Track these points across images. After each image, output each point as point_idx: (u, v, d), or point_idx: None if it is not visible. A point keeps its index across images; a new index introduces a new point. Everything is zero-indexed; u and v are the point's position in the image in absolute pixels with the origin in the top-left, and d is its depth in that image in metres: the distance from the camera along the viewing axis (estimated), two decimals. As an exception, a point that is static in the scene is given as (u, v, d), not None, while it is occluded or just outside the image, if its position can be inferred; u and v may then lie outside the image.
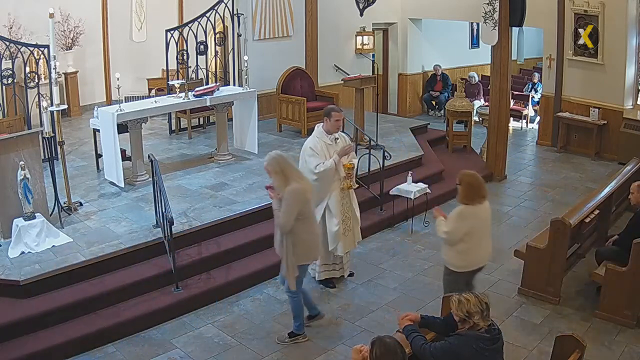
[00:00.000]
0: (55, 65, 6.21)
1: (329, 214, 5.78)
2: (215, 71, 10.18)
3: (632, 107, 9.88)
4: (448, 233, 4.77)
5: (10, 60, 7.58)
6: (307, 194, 4.82)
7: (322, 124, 5.77)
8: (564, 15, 10.18)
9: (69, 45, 10.20)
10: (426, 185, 7.48)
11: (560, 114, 10.59)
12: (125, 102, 7.75)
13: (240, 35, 9.95)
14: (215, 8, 9.35)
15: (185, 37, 9.26)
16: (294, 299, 5.07)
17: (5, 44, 7.60)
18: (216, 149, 8.37)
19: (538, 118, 11.75)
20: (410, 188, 7.31)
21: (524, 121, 12.49)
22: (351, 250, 6.18)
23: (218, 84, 8.95)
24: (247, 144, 8.36)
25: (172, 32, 9.01)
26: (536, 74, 12.65)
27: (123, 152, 7.33)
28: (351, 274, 6.29)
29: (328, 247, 5.84)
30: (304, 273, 5.02)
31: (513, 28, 8.70)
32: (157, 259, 5.84)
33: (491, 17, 8.50)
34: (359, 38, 11.96)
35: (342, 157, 5.65)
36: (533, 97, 12.44)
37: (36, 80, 7.88)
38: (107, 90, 11.02)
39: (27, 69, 7.89)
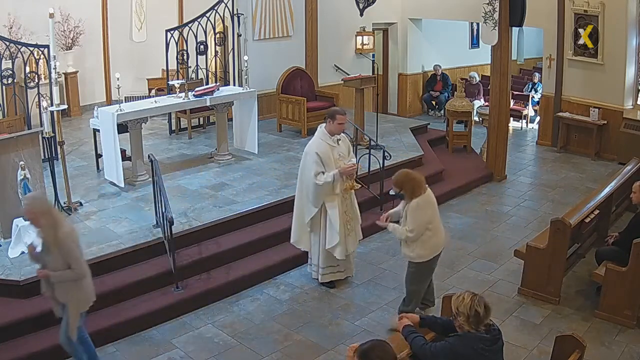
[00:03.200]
0: (55, 65, 6.21)
1: (329, 221, 5.70)
2: (215, 71, 10.19)
3: (632, 107, 9.88)
4: (414, 230, 4.88)
5: (10, 60, 7.58)
6: (75, 235, 4.27)
7: (324, 124, 5.75)
8: (564, 15, 10.18)
9: (69, 45, 10.20)
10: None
11: (560, 114, 10.59)
12: (125, 102, 7.76)
13: (240, 35, 9.95)
14: (215, 8, 9.35)
15: (185, 37, 9.26)
16: (76, 349, 4.45)
17: (5, 44, 7.60)
18: (216, 149, 8.38)
19: (538, 118, 11.74)
20: (410, 188, 7.29)
21: (524, 121, 12.49)
22: (354, 250, 6.14)
23: (218, 84, 8.95)
24: (247, 144, 8.36)
25: (172, 32, 9.01)
26: (536, 74, 12.65)
27: (123, 152, 7.33)
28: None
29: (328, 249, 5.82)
30: (83, 320, 4.43)
31: (513, 28, 8.70)
32: (157, 259, 5.84)
33: (491, 17, 8.50)
34: (359, 38, 11.96)
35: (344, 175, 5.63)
36: (533, 97, 12.44)
37: (36, 80, 7.88)
38: (107, 90, 11.02)
39: (27, 69, 7.90)
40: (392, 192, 5.16)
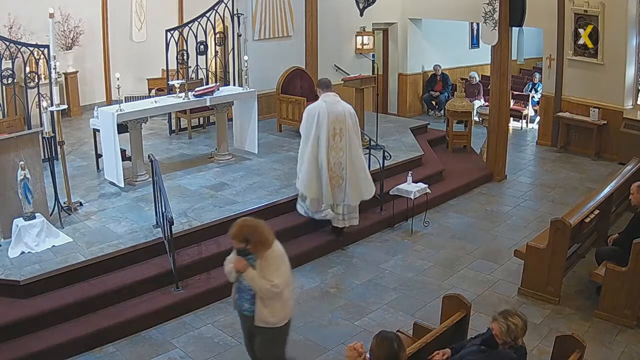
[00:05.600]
0: (55, 65, 6.21)
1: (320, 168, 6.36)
2: (215, 71, 10.19)
3: (632, 107, 9.88)
4: (280, 284, 3.86)
5: (10, 60, 7.58)
6: None
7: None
8: (564, 15, 10.18)
9: (69, 45, 10.20)
10: (426, 185, 7.48)
11: (560, 114, 10.59)
12: (125, 102, 7.75)
13: (240, 35, 9.95)
14: (215, 8, 9.35)
15: (185, 37, 9.26)
16: None
17: (5, 44, 7.60)
18: (216, 149, 8.37)
19: (538, 118, 11.74)
20: (410, 188, 7.31)
21: (524, 121, 12.48)
22: (342, 205, 6.58)
23: (218, 84, 8.95)
24: (247, 144, 8.36)
25: (172, 32, 9.01)
26: (537, 74, 12.65)
27: (123, 152, 7.33)
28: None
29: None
30: None
31: (513, 28, 8.70)
32: (157, 259, 5.84)
33: (491, 17, 8.50)
34: (359, 38, 11.96)
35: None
36: (533, 97, 12.44)
37: (36, 80, 7.88)
38: (107, 90, 11.02)
39: (27, 69, 7.89)
40: (232, 253, 4.07)
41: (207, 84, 9.17)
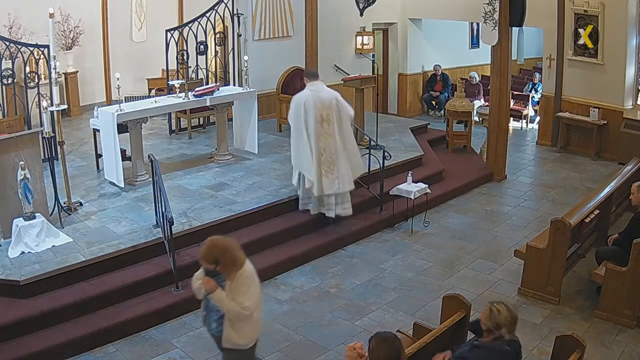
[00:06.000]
0: (55, 65, 6.21)
1: (310, 155, 6.48)
2: (215, 71, 10.18)
3: (632, 107, 9.88)
4: (250, 306, 3.69)
5: (10, 60, 7.58)
6: None
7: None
8: (564, 15, 10.17)
9: (69, 45, 10.20)
10: (426, 185, 7.48)
11: (560, 114, 10.59)
12: (125, 102, 7.75)
13: (240, 35, 9.95)
14: (215, 8, 9.35)
15: (185, 37, 9.26)
16: None
17: (5, 44, 7.60)
18: (216, 149, 8.37)
19: (538, 118, 11.74)
20: (410, 188, 7.31)
21: (524, 121, 12.48)
22: (332, 194, 6.67)
23: (218, 84, 8.95)
24: (247, 144, 8.36)
25: (172, 32, 9.01)
26: (537, 74, 12.65)
27: (123, 152, 7.33)
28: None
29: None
30: None
31: (513, 28, 8.70)
32: (157, 259, 5.84)
33: (491, 17, 8.50)
34: (359, 38, 11.95)
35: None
36: (533, 97, 12.44)
37: (36, 80, 7.88)
38: (107, 90, 11.02)
39: (27, 69, 7.90)
40: (201, 272, 3.84)
41: (207, 84, 9.17)
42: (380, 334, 3.32)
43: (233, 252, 3.69)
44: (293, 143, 6.67)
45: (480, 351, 3.56)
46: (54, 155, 6.73)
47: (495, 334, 3.54)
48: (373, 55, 11.92)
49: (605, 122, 10.02)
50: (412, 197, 7.27)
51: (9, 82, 7.61)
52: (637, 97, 9.92)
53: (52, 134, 6.50)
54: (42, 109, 6.15)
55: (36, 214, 5.78)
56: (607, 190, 6.69)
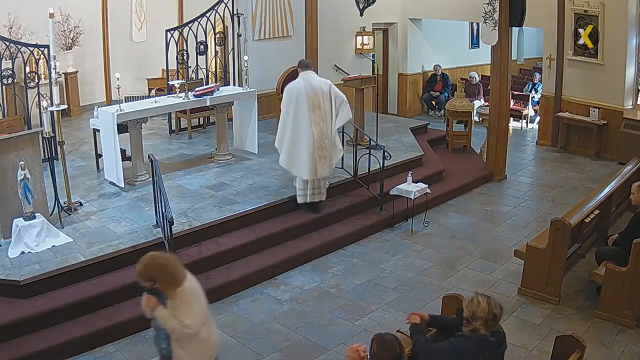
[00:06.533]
0: (55, 65, 6.21)
1: (301, 142, 6.69)
2: (215, 71, 10.18)
3: (632, 107, 9.88)
4: (192, 324, 3.52)
5: (10, 60, 7.58)
6: None
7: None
8: (564, 15, 10.18)
9: (69, 45, 10.20)
10: (426, 185, 7.48)
11: (560, 114, 10.59)
12: (125, 102, 7.75)
13: (240, 35, 9.95)
14: (215, 8, 9.35)
15: (185, 37, 9.26)
16: None
17: (5, 44, 7.60)
18: (216, 149, 8.37)
19: (538, 118, 11.74)
20: (410, 188, 7.31)
21: (524, 121, 12.48)
22: (325, 177, 6.92)
23: (218, 84, 8.95)
24: (247, 144, 8.36)
25: (172, 32, 9.01)
26: (537, 74, 12.65)
27: (123, 152, 7.33)
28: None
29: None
30: None
31: (513, 28, 8.70)
32: (157, 259, 5.82)
33: (491, 17, 8.50)
34: (359, 38, 11.96)
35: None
36: (533, 97, 12.44)
37: (36, 80, 7.88)
38: (107, 90, 11.02)
39: (27, 69, 7.89)
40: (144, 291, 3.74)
41: (207, 84, 9.17)
42: (381, 336, 3.31)
43: (170, 270, 3.55)
44: (280, 128, 6.88)
45: (465, 339, 3.55)
46: (54, 155, 6.72)
47: (472, 325, 3.52)
48: (373, 55, 11.92)
49: (605, 122, 10.02)
50: (412, 197, 7.27)
51: (9, 82, 7.61)
52: (637, 97, 9.92)
53: (52, 134, 6.50)
54: (42, 109, 6.15)
55: (36, 214, 5.78)
56: (607, 190, 6.69)
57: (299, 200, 6.95)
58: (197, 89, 7.87)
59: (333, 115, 6.85)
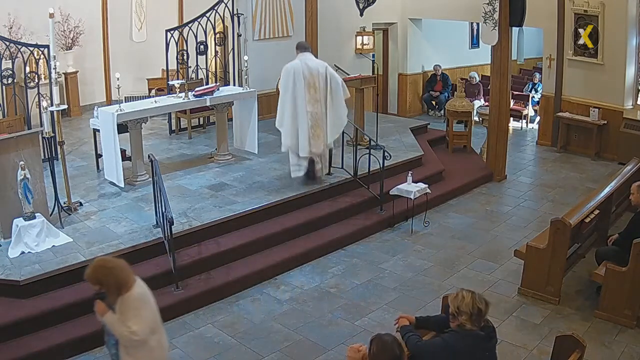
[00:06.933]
0: (55, 65, 6.21)
1: (298, 120, 7.02)
2: (215, 71, 10.18)
3: (632, 107, 9.88)
4: (139, 331, 3.44)
5: (10, 60, 7.58)
6: None
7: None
8: (564, 15, 10.18)
9: (69, 45, 10.20)
10: (426, 185, 7.48)
11: (560, 114, 10.59)
12: (125, 102, 7.75)
13: (240, 35, 9.95)
14: (215, 8, 9.35)
15: (185, 37, 9.26)
16: None
17: (5, 44, 7.60)
18: (216, 149, 8.37)
19: (538, 118, 11.75)
20: (410, 188, 7.31)
21: (524, 121, 12.48)
22: (319, 153, 7.21)
23: (218, 84, 8.95)
24: (247, 144, 8.36)
25: (172, 32, 9.01)
26: (537, 74, 12.65)
27: (123, 152, 7.33)
28: (329, 173, 7.66)
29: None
30: None
31: (513, 28, 8.70)
32: (157, 259, 5.83)
33: (491, 17, 8.50)
34: (359, 38, 11.96)
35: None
36: (533, 97, 12.44)
37: (36, 80, 7.88)
38: (107, 90, 11.02)
39: (27, 69, 7.89)
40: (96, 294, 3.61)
41: (207, 84, 9.17)
42: (380, 337, 3.30)
43: (117, 274, 3.48)
44: (280, 108, 7.12)
45: (456, 334, 3.56)
46: (54, 155, 6.73)
47: (457, 320, 3.53)
48: (373, 55, 11.93)
49: (605, 122, 10.02)
50: (412, 197, 7.27)
51: (9, 82, 7.61)
52: (637, 97, 9.92)
53: (52, 134, 6.50)
54: (42, 109, 6.15)
55: (36, 214, 5.78)
56: (607, 190, 6.69)
57: (293, 174, 7.28)
58: (197, 89, 7.87)
59: (328, 96, 7.09)
